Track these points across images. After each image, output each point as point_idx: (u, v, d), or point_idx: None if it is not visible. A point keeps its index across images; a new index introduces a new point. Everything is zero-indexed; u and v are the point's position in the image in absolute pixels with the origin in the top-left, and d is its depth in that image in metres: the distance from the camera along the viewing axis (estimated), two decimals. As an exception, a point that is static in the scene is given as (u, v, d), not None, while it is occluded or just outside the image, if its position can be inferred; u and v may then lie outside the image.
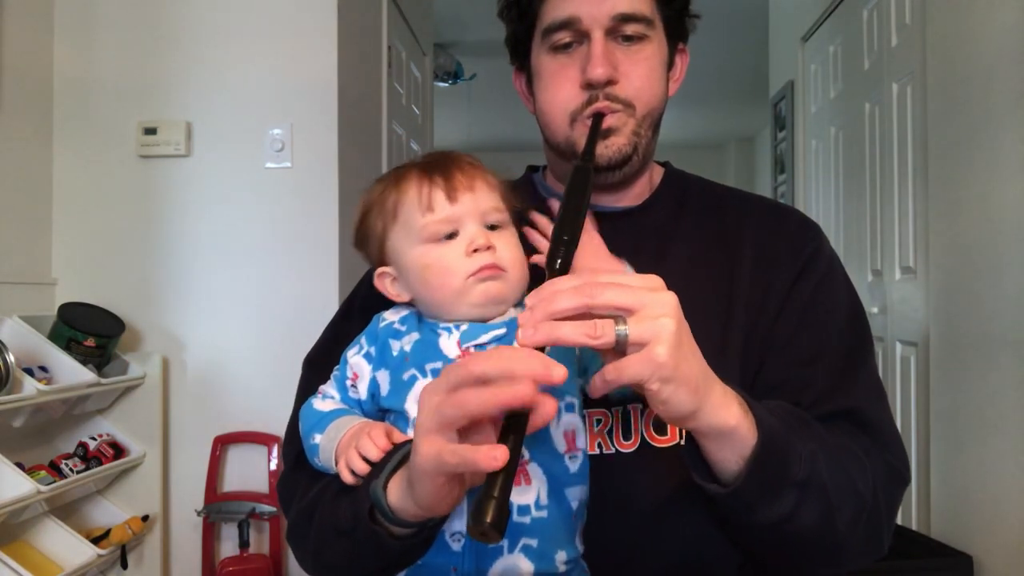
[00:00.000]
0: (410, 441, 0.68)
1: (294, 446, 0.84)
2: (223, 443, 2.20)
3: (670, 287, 0.86)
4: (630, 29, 0.83)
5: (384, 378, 0.77)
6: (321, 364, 0.86)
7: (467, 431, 0.59)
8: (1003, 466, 1.83)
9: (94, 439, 2.08)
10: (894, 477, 0.79)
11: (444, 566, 0.70)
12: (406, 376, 0.75)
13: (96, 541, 1.93)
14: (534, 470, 0.70)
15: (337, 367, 0.82)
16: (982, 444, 1.91)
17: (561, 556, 0.71)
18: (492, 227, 0.77)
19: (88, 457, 2.03)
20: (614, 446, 0.80)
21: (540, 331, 0.57)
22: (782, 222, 0.90)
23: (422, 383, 0.74)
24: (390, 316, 0.81)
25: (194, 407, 2.23)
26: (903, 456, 0.82)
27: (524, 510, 0.69)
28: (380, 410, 0.78)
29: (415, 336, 0.77)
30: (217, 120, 2.23)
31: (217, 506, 2.15)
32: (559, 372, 0.55)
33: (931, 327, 2.19)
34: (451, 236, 0.75)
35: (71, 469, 1.96)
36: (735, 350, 0.82)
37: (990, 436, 1.88)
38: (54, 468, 1.94)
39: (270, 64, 2.22)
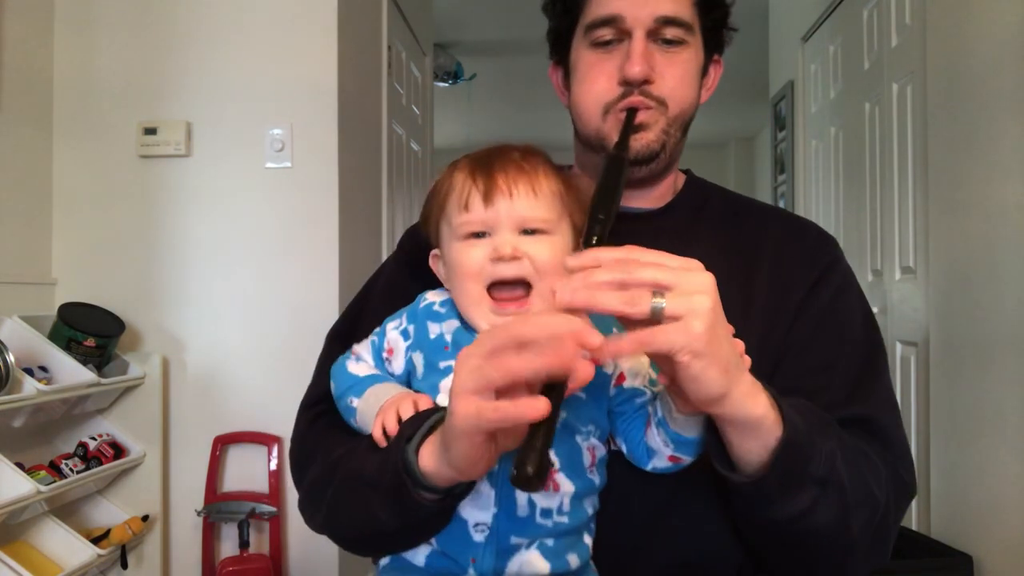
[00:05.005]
0: (441, 408, 0.70)
1: (313, 410, 0.88)
2: (223, 443, 2.20)
3: None
4: (670, 33, 0.85)
5: (419, 360, 0.79)
6: (344, 338, 0.88)
7: (500, 396, 0.60)
8: (1003, 466, 1.82)
9: (94, 439, 2.08)
10: (902, 489, 0.79)
11: (463, 555, 0.72)
12: (442, 365, 0.77)
13: (96, 541, 1.93)
14: (562, 480, 0.72)
15: (375, 332, 0.83)
16: (982, 444, 1.91)
17: (573, 558, 0.73)
18: (532, 232, 0.75)
19: (88, 457, 2.03)
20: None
21: (579, 294, 0.57)
22: (801, 233, 0.92)
23: None
24: (432, 296, 0.82)
25: (194, 407, 2.23)
26: (912, 470, 0.82)
27: (547, 513, 0.71)
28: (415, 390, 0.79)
29: (455, 324, 0.78)
30: (217, 120, 2.23)
31: (217, 506, 2.15)
32: (597, 337, 0.56)
33: (931, 327, 2.19)
34: (482, 235, 0.76)
35: (71, 469, 1.96)
36: (750, 356, 0.82)
37: (990, 436, 1.88)
38: (54, 468, 1.94)
39: (270, 64, 2.22)
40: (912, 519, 2.29)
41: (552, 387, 0.58)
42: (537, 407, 0.55)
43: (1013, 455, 1.78)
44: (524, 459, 0.54)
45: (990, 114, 1.88)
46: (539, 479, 0.54)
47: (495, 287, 0.75)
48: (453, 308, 0.80)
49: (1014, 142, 1.78)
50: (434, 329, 0.79)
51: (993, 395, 1.86)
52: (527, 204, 0.75)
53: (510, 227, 0.75)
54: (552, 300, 0.75)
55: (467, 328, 0.78)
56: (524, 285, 0.75)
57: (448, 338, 0.78)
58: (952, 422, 2.07)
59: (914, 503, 2.29)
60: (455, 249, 0.77)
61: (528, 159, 0.79)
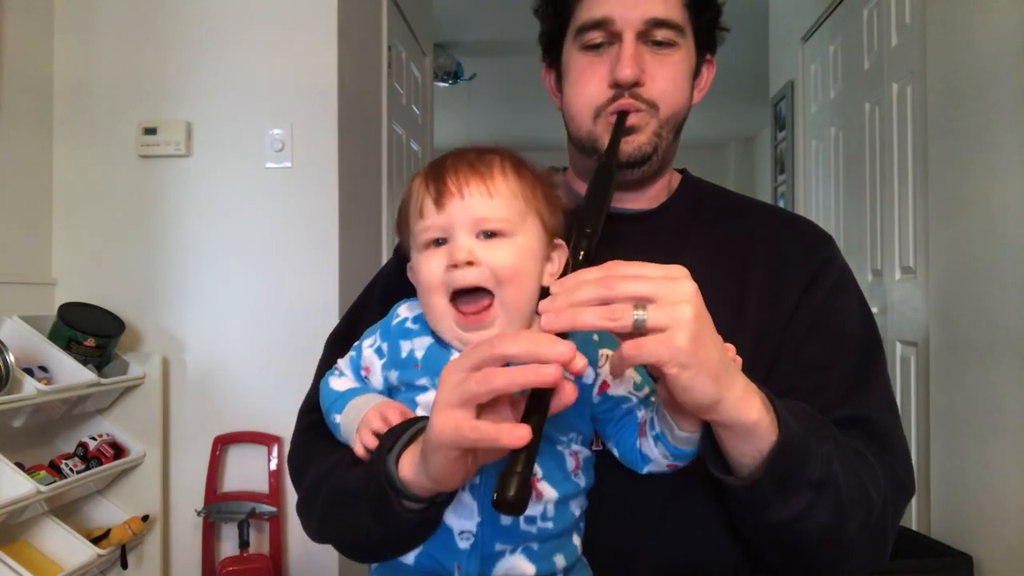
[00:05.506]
0: (423, 417, 0.70)
1: (309, 416, 0.88)
2: (223, 443, 2.20)
3: None
4: (661, 35, 0.84)
5: (395, 378, 0.78)
6: (343, 344, 0.88)
7: (483, 410, 0.60)
8: (1003, 466, 1.82)
9: (94, 439, 2.08)
10: (900, 489, 0.79)
11: (449, 562, 0.72)
12: (418, 383, 0.76)
13: (96, 541, 1.93)
14: (544, 488, 0.71)
15: (353, 347, 0.83)
16: (982, 444, 1.91)
17: (560, 559, 0.73)
18: (491, 235, 0.73)
19: (88, 457, 2.03)
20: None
21: (562, 317, 0.58)
22: (796, 231, 0.91)
23: (433, 394, 0.73)
24: (405, 312, 0.81)
25: (194, 407, 2.23)
26: (910, 469, 0.82)
27: (531, 520, 0.71)
28: None
29: (427, 340, 0.77)
30: (217, 120, 2.23)
31: (217, 506, 2.15)
32: (582, 361, 0.57)
33: (931, 327, 2.19)
34: (441, 243, 0.74)
35: (71, 469, 1.96)
36: (745, 355, 0.82)
37: (990, 436, 1.88)
38: (54, 468, 1.94)
39: (270, 64, 2.22)
40: (912, 519, 2.29)
41: (535, 411, 0.57)
42: (518, 435, 0.54)
43: (1013, 455, 1.78)
44: (506, 484, 0.54)
45: (990, 114, 1.88)
46: (520, 504, 0.53)
47: (459, 298, 0.73)
48: (425, 325, 0.78)
49: (1014, 142, 1.78)
50: (405, 347, 0.78)
51: (993, 395, 1.86)
52: (481, 204, 0.73)
53: (466, 230, 0.72)
54: (515, 302, 0.74)
55: (441, 344, 0.76)
56: (489, 293, 0.72)
57: (418, 355, 0.76)
58: (952, 422, 2.07)
59: (914, 503, 2.29)
60: (417, 261, 0.76)
61: (484, 158, 0.76)
